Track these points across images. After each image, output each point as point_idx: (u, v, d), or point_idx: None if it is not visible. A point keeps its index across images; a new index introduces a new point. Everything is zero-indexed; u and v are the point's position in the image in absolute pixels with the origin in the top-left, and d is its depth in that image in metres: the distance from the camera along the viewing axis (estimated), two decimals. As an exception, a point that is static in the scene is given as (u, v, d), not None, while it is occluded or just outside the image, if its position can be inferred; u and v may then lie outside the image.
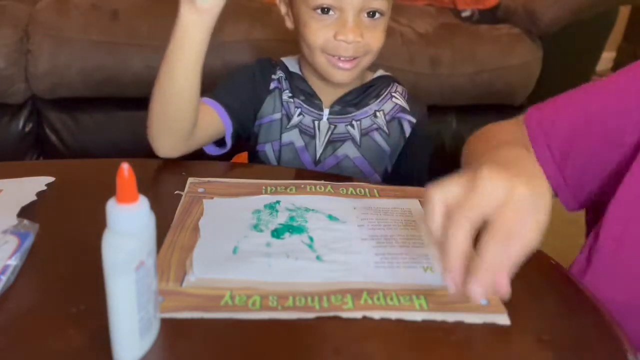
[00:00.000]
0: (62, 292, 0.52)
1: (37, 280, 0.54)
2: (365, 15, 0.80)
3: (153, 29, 1.56)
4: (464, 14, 1.91)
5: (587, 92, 0.72)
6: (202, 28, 0.70)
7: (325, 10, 0.79)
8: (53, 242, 0.59)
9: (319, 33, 0.80)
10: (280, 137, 0.89)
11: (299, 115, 0.89)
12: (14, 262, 0.54)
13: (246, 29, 1.62)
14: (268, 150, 0.90)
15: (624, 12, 3.08)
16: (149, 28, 1.57)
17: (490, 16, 1.89)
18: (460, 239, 0.44)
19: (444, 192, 0.47)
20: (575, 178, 0.71)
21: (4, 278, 0.52)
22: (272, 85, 0.90)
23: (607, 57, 3.18)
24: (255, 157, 0.93)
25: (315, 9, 0.79)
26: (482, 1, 1.91)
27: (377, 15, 0.80)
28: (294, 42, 0.89)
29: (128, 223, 0.41)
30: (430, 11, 1.90)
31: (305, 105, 0.89)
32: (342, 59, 0.81)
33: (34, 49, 1.55)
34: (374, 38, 0.81)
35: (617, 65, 3.32)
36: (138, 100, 1.63)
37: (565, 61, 1.83)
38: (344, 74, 0.83)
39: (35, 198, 0.67)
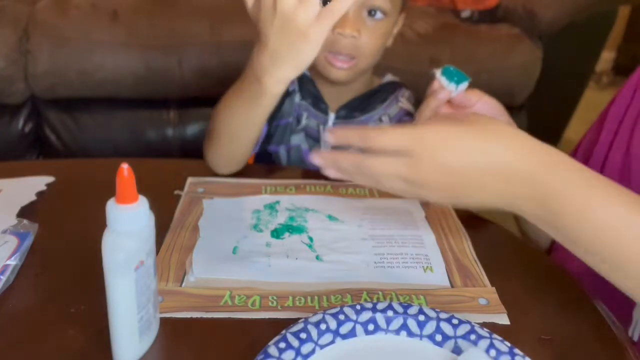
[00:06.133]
0: (62, 292, 0.52)
1: (37, 280, 0.54)
2: (367, 13, 0.80)
3: (153, 29, 1.56)
4: (464, 14, 1.91)
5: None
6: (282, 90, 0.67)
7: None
8: (53, 242, 0.59)
9: None
10: (290, 139, 0.90)
11: (306, 118, 0.89)
12: (13, 262, 0.54)
13: (246, 28, 1.62)
14: (282, 151, 0.91)
15: (624, 12, 3.08)
16: (149, 28, 1.57)
17: (490, 16, 1.89)
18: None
19: None
20: None
21: (4, 278, 0.52)
22: (291, 87, 0.90)
23: (607, 57, 3.18)
24: (265, 158, 0.92)
25: None
26: (482, 1, 1.91)
27: (379, 14, 0.80)
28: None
29: (128, 223, 0.41)
30: (430, 11, 1.90)
31: (312, 109, 0.89)
32: (340, 58, 0.81)
33: (33, 49, 1.54)
34: (370, 39, 0.80)
35: (617, 65, 3.32)
36: (138, 100, 1.64)
37: (565, 61, 1.83)
38: (342, 73, 0.82)
39: (35, 198, 0.67)
